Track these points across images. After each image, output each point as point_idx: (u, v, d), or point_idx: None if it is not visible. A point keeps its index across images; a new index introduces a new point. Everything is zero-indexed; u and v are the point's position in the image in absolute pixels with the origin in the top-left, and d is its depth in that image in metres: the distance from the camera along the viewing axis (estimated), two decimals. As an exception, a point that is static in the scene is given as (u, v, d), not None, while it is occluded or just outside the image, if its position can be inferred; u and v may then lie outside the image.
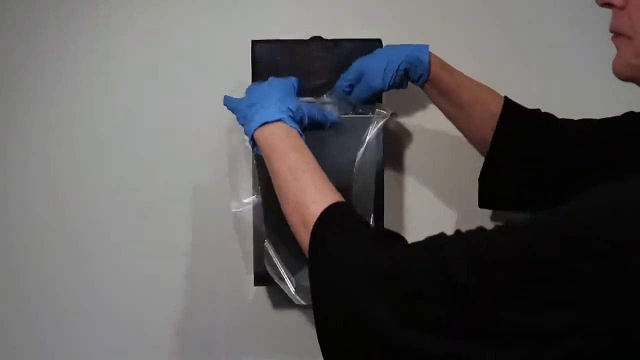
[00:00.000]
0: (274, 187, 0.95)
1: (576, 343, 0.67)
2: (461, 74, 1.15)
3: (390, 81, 1.12)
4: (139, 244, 1.27)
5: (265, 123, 0.98)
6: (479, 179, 1.16)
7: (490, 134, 1.13)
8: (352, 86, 1.15)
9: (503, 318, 0.70)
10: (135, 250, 1.27)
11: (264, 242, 1.15)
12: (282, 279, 1.14)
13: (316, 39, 1.21)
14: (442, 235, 0.79)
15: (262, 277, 1.18)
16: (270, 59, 1.18)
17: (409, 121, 1.29)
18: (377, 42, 1.18)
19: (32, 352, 1.27)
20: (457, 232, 0.78)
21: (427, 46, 1.13)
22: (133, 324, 1.27)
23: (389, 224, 1.19)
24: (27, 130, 1.25)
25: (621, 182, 0.72)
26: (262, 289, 1.28)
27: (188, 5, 1.25)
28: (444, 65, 1.14)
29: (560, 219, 0.71)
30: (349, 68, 1.15)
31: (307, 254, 0.86)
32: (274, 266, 1.14)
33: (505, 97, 1.14)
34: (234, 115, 1.25)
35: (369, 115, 1.13)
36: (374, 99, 1.15)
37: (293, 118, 1.00)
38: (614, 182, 0.73)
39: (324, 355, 0.81)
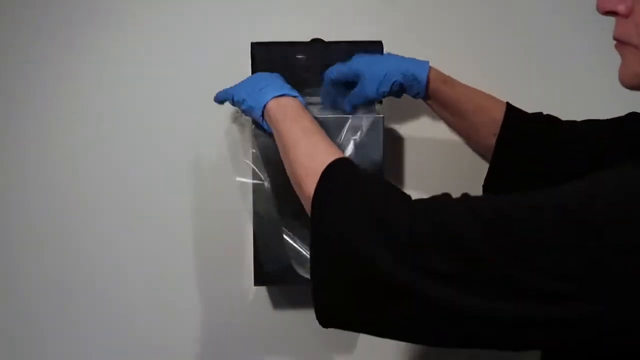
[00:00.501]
0: (282, 146, 0.98)
1: (576, 309, 0.71)
2: (462, 85, 1.15)
3: (383, 94, 1.11)
4: (139, 244, 1.26)
5: (281, 95, 1.02)
6: (483, 186, 1.17)
7: (493, 141, 1.13)
8: (344, 84, 1.14)
9: (505, 275, 0.73)
10: (135, 250, 1.27)
11: (282, 230, 1.14)
12: (305, 265, 1.12)
13: (316, 41, 1.21)
14: (447, 196, 0.82)
15: (262, 277, 1.18)
16: (269, 61, 1.18)
17: (409, 122, 1.29)
18: (378, 45, 1.18)
19: (32, 352, 1.27)
20: (464, 195, 0.81)
21: (427, 63, 1.12)
22: (133, 324, 1.28)
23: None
24: (27, 130, 1.25)
25: (629, 167, 0.75)
26: (262, 289, 1.28)
27: (187, 8, 1.24)
28: (445, 79, 1.13)
29: (572, 200, 0.73)
30: (347, 63, 1.13)
31: (309, 200, 0.86)
32: (297, 253, 1.13)
33: (507, 103, 1.14)
34: (232, 116, 1.25)
35: (359, 115, 1.13)
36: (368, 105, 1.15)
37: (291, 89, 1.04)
38: (623, 166, 0.76)
39: (316, 294, 0.84)
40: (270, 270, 1.17)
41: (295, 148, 0.93)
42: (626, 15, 0.80)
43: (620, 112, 1.09)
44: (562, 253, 0.71)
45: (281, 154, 0.99)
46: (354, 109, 1.14)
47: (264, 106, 1.03)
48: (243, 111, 1.09)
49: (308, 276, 1.08)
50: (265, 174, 1.14)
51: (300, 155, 0.92)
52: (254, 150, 1.14)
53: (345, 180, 0.85)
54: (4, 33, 1.23)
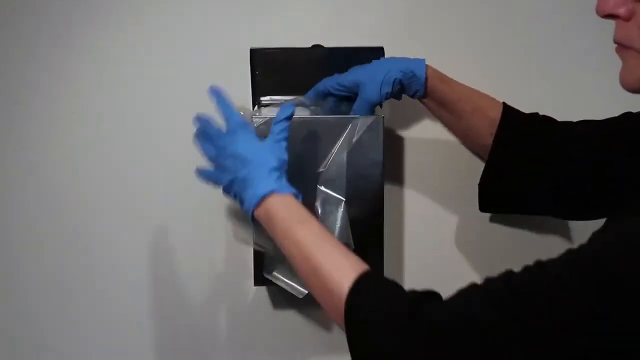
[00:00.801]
0: (290, 259, 0.94)
1: None
2: (459, 84, 1.15)
3: (386, 95, 1.12)
4: (139, 244, 1.27)
5: (259, 200, 0.95)
6: (479, 184, 1.17)
7: (489, 140, 1.13)
8: (344, 96, 1.14)
9: None
10: (135, 250, 1.27)
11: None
12: (283, 264, 1.12)
13: (317, 47, 1.20)
14: (473, 289, 0.80)
15: (262, 277, 1.18)
16: (268, 67, 1.17)
17: (409, 122, 1.29)
18: (379, 51, 1.18)
19: (33, 353, 1.27)
20: (488, 283, 0.79)
21: (423, 61, 1.12)
22: (133, 324, 1.28)
23: (389, 225, 1.19)
24: (27, 130, 1.25)
25: None
26: (262, 289, 1.28)
27: (187, 13, 1.24)
28: (442, 77, 1.14)
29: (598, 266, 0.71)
30: (345, 74, 1.14)
31: (341, 322, 0.86)
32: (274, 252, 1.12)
33: (504, 104, 1.15)
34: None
35: (355, 116, 1.13)
36: (372, 111, 1.15)
37: (281, 176, 0.98)
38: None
39: None
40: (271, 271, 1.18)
41: (306, 268, 0.90)
42: (627, 19, 0.79)
43: (620, 112, 1.09)
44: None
45: (287, 254, 0.95)
46: (334, 99, 1.14)
47: (252, 217, 0.97)
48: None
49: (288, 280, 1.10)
50: None
51: (312, 276, 0.90)
52: None
53: (373, 306, 0.84)
54: (5, 33, 1.23)
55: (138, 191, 1.26)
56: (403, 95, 1.16)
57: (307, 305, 1.28)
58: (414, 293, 0.84)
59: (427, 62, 1.13)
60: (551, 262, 0.76)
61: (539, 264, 0.77)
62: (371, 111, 1.14)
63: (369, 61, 1.15)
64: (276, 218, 0.95)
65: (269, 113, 1.13)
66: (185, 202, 1.26)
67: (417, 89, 1.13)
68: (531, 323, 0.72)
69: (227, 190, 1.02)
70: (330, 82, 1.15)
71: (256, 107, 1.18)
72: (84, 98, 1.25)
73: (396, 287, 0.86)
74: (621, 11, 0.79)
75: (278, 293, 1.28)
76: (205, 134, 1.04)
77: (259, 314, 1.29)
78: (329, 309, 0.89)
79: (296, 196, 0.97)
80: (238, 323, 1.29)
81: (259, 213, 0.96)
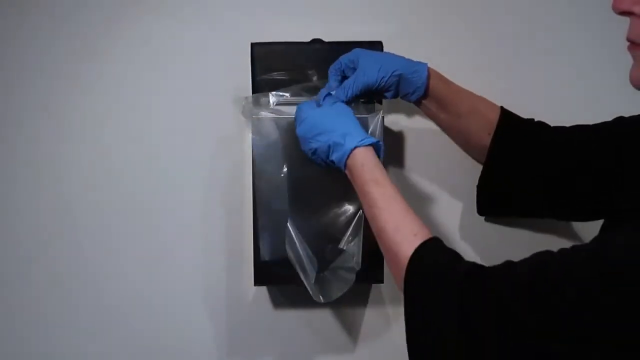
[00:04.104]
0: (365, 205, 1.01)
1: None
2: (458, 86, 1.16)
3: (382, 80, 1.11)
4: (139, 245, 1.26)
5: (359, 146, 1.02)
6: (477, 187, 1.18)
7: (487, 143, 1.14)
8: (343, 76, 1.15)
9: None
10: (135, 250, 1.26)
11: (287, 221, 1.14)
12: (301, 264, 1.12)
13: (316, 42, 1.21)
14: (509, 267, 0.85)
15: (262, 277, 1.18)
16: (269, 61, 1.18)
17: (409, 122, 1.29)
18: (377, 45, 1.18)
19: (32, 353, 1.27)
20: (524, 265, 0.83)
21: (426, 64, 1.13)
22: (132, 324, 1.27)
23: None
24: (28, 131, 1.25)
25: None
26: (262, 289, 1.28)
27: (187, 7, 1.24)
28: (442, 77, 1.15)
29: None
30: (348, 54, 1.14)
31: (401, 288, 0.92)
32: (295, 249, 1.13)
33: (502, 107, 1.16)
34: (232, 116, 1.25)
35: (359, 114, 1.12)
36: (366, 98, 1.15)
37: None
38: None
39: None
40: (270, 270, 1.18)
41: (379, 221, 0.98)
42: None
43: (621, 112, 1.09)
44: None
45: (363, 202, 1.02)
46: (351, 102, 1.13)
47: (346, 159, 1.03)
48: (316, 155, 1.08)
49: (298, 270, 1.11)
50: (285, 169, 1.14)
51: (383, 233, 0.97)
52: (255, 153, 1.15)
53: (428, 278, 0.90)
54: (7, 33, 1.23)
55: (138, 191, 1.26)
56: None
57: (307, 305, 1.28)
58: (463, 271, 0.87)
59: (425, 59, 1.13)
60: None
61: (575, 249, 0.80)
62: (363, 94, 1.13)
63: None
64: (365, 166, 1.02)
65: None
66: (185, 202, 1.26)
67: (418, 86, 1.12)
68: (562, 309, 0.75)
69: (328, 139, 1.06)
70: (336, 65, 1.15)
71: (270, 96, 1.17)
72: (83, 99, 1.25)
73: (454, 256, 0.91)
74: (637, 9, 0.79)
75: (278, 293, 1.29)
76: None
77: (259, 314, 1.29)
78: (393, 271, 0.97)
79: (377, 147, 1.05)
80: (238, 323, 1.28)
81: (356, 155, 1.03)
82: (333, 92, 1.12)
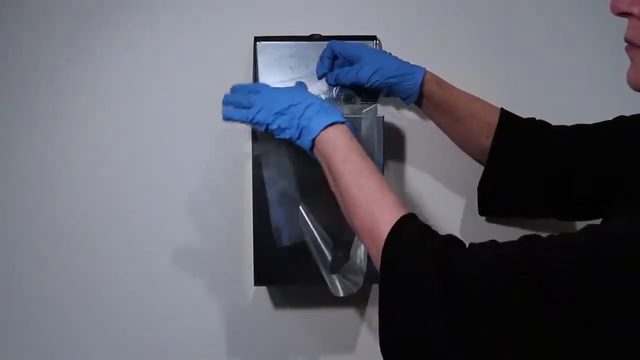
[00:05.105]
0: (337, 186, 0.96)
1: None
2: (455, 88, 1.17)
3: (374, 83, 1.13)
4: (139, 244, 1.26)
5: (329, 125, 0.98)
6: (478, 188, 1.18)
7: (485, 145, 1.14)
8: (351, 90, 1.17)
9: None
10: (134, 250, 1.26)
11: (300, 205, 1.14)
12: (318, 247, 1.12)
13: (314, 36, 1.22)
14: (492, 247, 0.82)
15: (262, 277, 1.18)
16: (272, 55, 1.20)
17: (409, 122, 1.29)
18: (372, 39, 1.21)
19: (32, 353, 1.27)
20: (508, 248, 0.81)
21: (423, 68, 1.14)
22: (133, 324, 1.27)
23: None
24: (28, 131, 1.25)
25: None
26: (262, 289, 1.28)
27: (189, 3, 1.24)
28: (439, 82, 1.15)
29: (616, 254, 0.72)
30: (350, 44, 1.17)
31: (377, 265, 0.89)
32: (310, 231, 1.13)
33: (502, 109, 1.16)
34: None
35: (358, 114, 1.14)
36: (362, 96, 1.17)
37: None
38: None
39: (384, 353, 0.86)
40: (270, 270, 1.18)
41: (351, 198, 0.93)
42: None
43: (621, 112, 1.09)
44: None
45: (332, 187, 0.99)
46: (338, 88, 1.16)
47: (313, 140, 0.98)
48: (276, 135, 1.03)
49: (316, 255, 1.11)
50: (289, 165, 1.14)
51: (356, 209, 0.92)
52: (257, 153, 1.15)
53: (405, 255, 0.87)
54: (8, 34, 1.24)
55: (138, 191, 1.26)
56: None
57: (307, 305, 1.28)
58: (442, 241, 0.86)
59: (424, 59, 1.15)
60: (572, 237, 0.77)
61: (562, 237, 0.78)
62: (352, 85, 1.15)
63: None
64: (336, 144, 0.97)
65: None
66: (185, 202, 1.26)
67: (410, 93, 1.14)
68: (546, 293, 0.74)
69: (276, 128, 1.02)
70: (337, 46, 1.17)
71: None
72: (82, 98, 1.25)
73: (429, 233, 0.89)
74: (635, 10, 0.79)
75: (278, 293, 1.29)
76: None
77: (259, 314, 1.29)
78: (369, 248, 0.92)
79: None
80: (238, 323, 1.28)
81: (319, 140, 0.98)
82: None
